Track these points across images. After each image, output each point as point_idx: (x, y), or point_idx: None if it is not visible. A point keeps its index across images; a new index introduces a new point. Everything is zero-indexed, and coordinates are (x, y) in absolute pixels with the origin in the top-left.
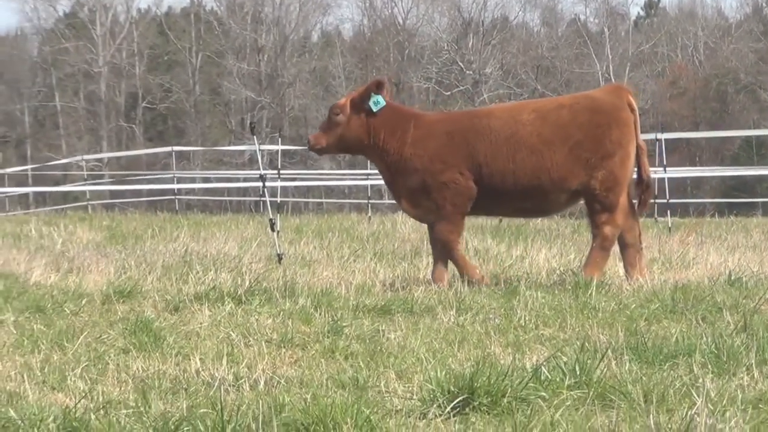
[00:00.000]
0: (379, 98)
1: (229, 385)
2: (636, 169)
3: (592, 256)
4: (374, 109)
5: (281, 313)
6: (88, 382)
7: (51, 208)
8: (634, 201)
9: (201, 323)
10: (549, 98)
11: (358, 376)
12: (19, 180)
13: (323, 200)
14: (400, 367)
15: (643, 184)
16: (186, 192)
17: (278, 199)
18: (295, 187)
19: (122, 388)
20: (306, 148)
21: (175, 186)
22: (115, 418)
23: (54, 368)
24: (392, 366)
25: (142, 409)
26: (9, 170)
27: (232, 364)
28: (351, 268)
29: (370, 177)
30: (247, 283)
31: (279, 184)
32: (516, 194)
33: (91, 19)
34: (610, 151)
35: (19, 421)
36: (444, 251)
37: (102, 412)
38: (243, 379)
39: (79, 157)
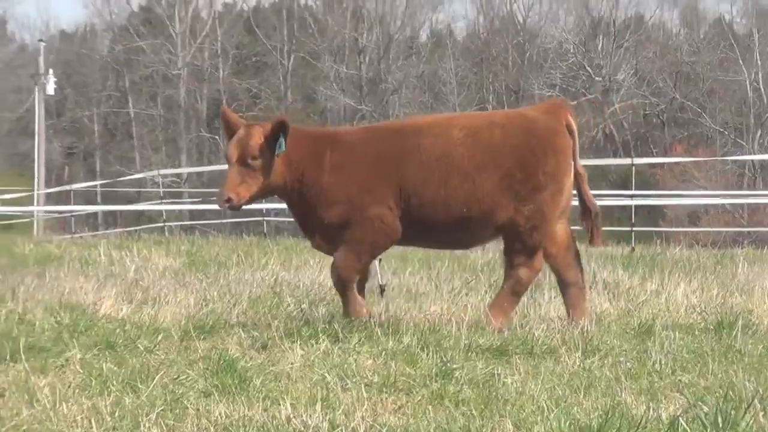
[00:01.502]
0: (283, 142)
1: None
2: (579, 198)
3: (498, 300)
4: (276, 153)
5: (383, 352)
6: (165, 428)
7: (123, 229)
8: (579, 234)
9: (292, 363)
10: (479, 113)
11: (470, 426)
12: (87, 197)
13: None
14: (517, 416)
15: (590, 214)
16: (275, 213)
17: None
18: None
19: None
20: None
21: (264, 206)
22: None
23: (126, 413)
24: (509, 415)
25: None
26: (76, 186)
27: (328, 410)
28: (462, 303)
29: None
30: (345, 319)
31: None
32: (445, 226)
33: (169, 14)
34: (542, 183)
35: None
36: (338, 284)
37: None
38: (340, 428)
39: (154, 172)
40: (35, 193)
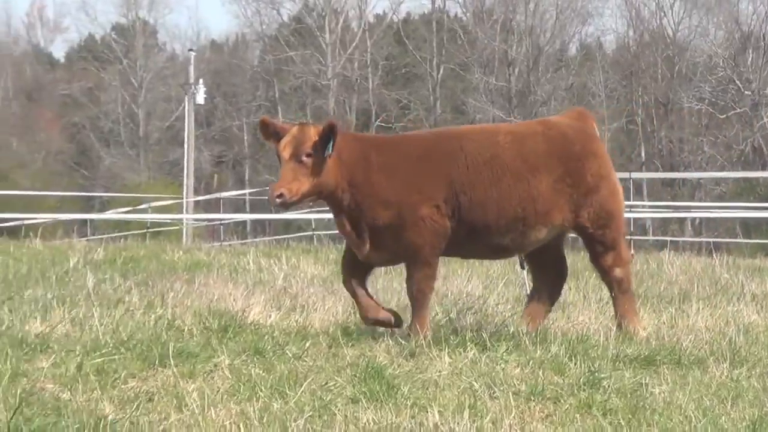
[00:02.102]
0: (331, 145)
1: None
2: None
3: (621, 309)
4: (326, 154)
5: (531, 361)
6: None
7: (271, 237)
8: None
9: (440, 371)
10: (517, 123)
11: None
12: (236, 206)
13: None
14: (665, 426)
15: None
16: None
17: None
18: None
19: None
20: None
21: None
22: None
23: (274, 418)
24: (656, 424)
25: None
26: (225, 194)
27: (475, 417)
28: (610, 313)
29: (633, 209)
30: (493, 327)
31: None
32: (496, 228)
33: (319, 25)
34: (593, 185)
35: None
36: (419, 296)
37: None
38: None
39: None
40: (184, 201)
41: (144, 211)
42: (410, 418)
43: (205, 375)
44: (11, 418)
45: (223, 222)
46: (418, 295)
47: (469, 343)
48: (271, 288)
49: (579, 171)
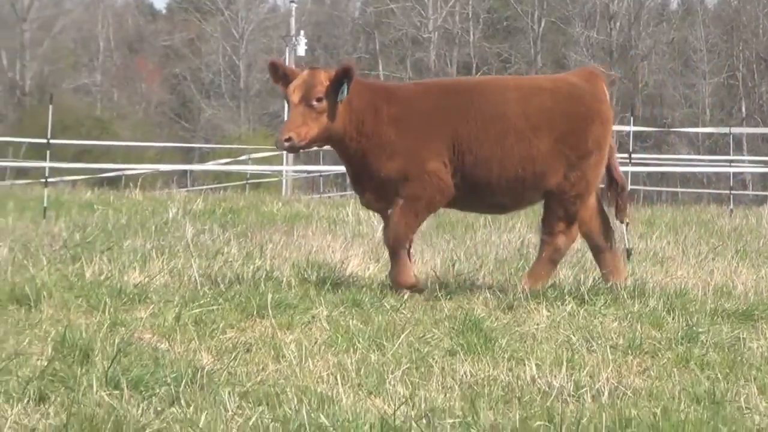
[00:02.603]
0: (345, 88)
1: (568, 395)
2: (606, 171)
3: (537, 268)
4: (338, 99)
5: (629, 315)
6: (409, 386)
7: None
8: (610, 206)
9: (537, 324)
10: (524, 77)
11: (714, 390)
12: (336, 158)
13: (678, 189)
14: (762, 381)
15: (617, 187)
16: None
17: (629, 187)
18: (648, 174)
19: (447, 395)
20: (286, 146)
21: None
22: (438, 428)
23: (371, 370)
24: (754, 379)
25: (469, 418)
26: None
27: (572, 371)
28: (709, 268)
29: (733, 164)
30: (591, 281)
31: (630, 169)
32: (497, 186)
33: None
34: (590, 150)
35: (331, 428)
36: (394, 242)
37: (424, 420)
38: (584, 389)
39: None
40: (284, 153)
41: (244, 162)
42: (507, 370)
43: (302, 326)
44: (109, 368)
45: (322, 174)
46: (395, 243)
47: (567, 297)
48: (370, 240)
49: (581, 133)
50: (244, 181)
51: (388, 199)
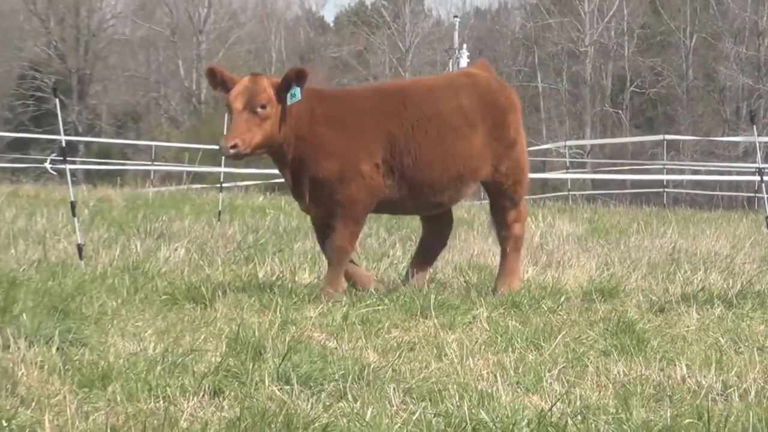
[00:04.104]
0: (297, 91)
1: (717, 394)
2: None
3: (508, 264)
4: (288, 103)
5: None
6: (565, 384)
7: (528, 197)
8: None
9: (688, 327)
10: (442, 76)
11: None
12: None
13: None
14: None
15: None
16: (674, 185)
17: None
18: None
19: (601, 393)
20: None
21: (664, 177)
22: (593, 424)
23: (529, 369)
24: None
25: (622, 415)
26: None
27: (721, 371)
28: None
29: None
30: (739, 285)
31: None
32: (439, 185)
33: None
34: (514, 138)
35: (491, 424)
36: (338, 253)
37: (579, 417)
38: (732, 389)
39: (561, 143)
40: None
41: None
42: (659, 370)
43: (464, 326)
44: (280, 364)
45: None
46: (339, 252)
47: (716, 300)
48: (528, 245)
49: (504, 124)
50: None
51: (326, 204)
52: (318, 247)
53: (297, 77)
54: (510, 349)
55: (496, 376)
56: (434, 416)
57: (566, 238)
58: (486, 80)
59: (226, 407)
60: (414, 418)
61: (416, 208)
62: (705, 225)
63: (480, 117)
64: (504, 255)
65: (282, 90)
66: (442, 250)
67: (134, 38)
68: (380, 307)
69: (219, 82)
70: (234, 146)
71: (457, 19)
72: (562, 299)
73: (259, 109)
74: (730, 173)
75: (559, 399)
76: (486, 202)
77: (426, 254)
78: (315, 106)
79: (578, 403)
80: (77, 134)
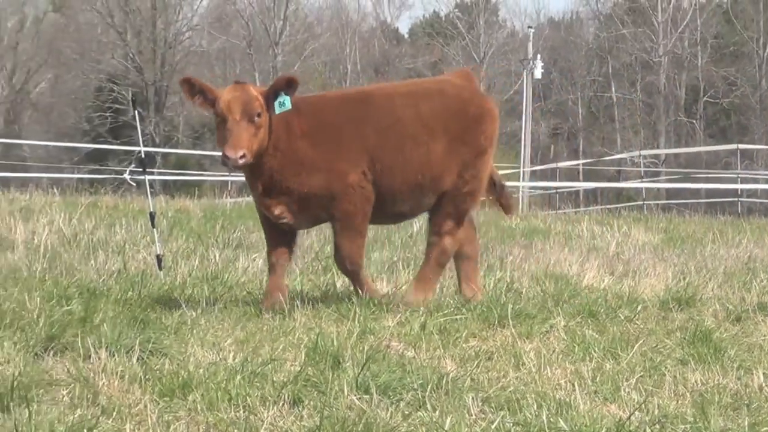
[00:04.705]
0: (287, 99)
1: None
2: None
3: (424, 273)
4: (276, 111)
5: None
6: (643, 393)
7: (603, 206)
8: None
9: (765, 336)
10: (410, 81)
11: None
12: (570, 175)
13: None
14: None
15: (497, 187)
16: (748, 194)
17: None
18: None
19: (679, 402)
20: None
21: (738, 186)
22: None
23: (606, 378)
24: None
25: (700, 424)
26: (561, 164)
27: None
28: None
29: None
30: None
31: None
32: (400, 194)
33: (652, 4)
34: (483, 147)
35: None
36: (351, 268)
37: (657, 426)
38: None
39: (635, 153)
40: (521, 170)
41: None
42: (736, 379)
43: (541, 335)
44: (359, 373)
45: (558, 190)
46: (354, 268)
47: None
48: (604, 254)
49: (474, 132)
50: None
51: (308, 216)
52: (273, 259)
53: (287, 85)
54: (587, 358)
55: (573, 385)
56: (513, 425)
57: (642, 248)
58: (456, 88)
59: (305, 416)
60: (493, 427)
61: (380, 218)
62: (765, 233)
63: (442, 125)
64: (425, 261)
65: (269, 98)
66: (477, 256)
67: (211, 50)
68: (458, 317)
69: (198, 91)
70: (243, 156)
71: (532, 30)
72: (639, 308)
73: (255, 118)
74: None
75: (637, 408)
76: (561, 211)
77: (465, 269)
78: (292, 119)
79: (656, 412)
80: (154, 145)
